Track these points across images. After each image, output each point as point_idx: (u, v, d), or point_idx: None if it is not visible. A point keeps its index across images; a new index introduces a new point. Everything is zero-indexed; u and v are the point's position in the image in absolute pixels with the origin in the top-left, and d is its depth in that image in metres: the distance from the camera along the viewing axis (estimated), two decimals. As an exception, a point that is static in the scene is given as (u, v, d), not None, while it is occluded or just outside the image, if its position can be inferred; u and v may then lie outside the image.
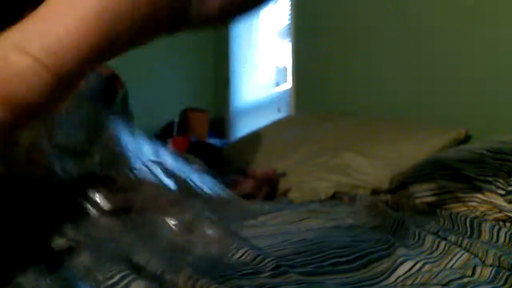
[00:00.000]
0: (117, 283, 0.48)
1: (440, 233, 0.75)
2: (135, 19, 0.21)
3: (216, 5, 0.24)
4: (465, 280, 0.51)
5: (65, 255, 0.54)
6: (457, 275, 0.52)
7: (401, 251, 0.62)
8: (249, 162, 1.83)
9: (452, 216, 0.83)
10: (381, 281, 0.56)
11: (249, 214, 0.97)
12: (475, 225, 0.76)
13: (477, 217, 0.84)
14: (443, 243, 0.66)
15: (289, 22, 2.48)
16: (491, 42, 1.29)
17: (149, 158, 0.52)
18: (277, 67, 2.67)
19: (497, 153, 0.85)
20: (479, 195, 0.86)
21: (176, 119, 2.61)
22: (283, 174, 1.43)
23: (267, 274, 0.55)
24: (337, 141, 1.47)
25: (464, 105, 1.37)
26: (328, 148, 1.46)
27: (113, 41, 0.21)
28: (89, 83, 1.14)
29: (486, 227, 0.74)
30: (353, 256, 0.62)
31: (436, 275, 0.53)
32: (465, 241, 0.67)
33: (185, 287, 0.48)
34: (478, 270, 0.54)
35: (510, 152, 0.83)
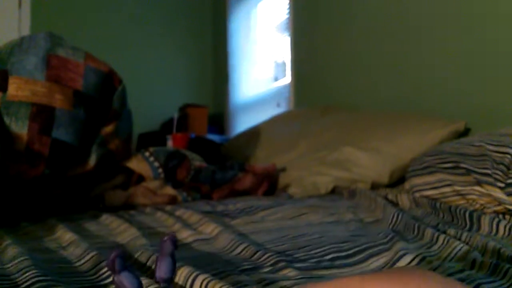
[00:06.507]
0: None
1: (439, 226, 0.75)
2: None
3: None
4: (465, 273, 0.51)
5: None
6: (457, 268, 0.52)
7: (400, 244, 0.62)
8: (248, 158, 1.83)
9: (452, 209, 0.83)
10: (380, 275, 0.55)
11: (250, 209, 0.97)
12: (474, 218, 0.77)
13: (476, 210, 0.84)
14: (442, 236, 0.66)
15: (288, 16, 2.47)
16: (490, 35, 1.29)
17: None
18: (276, 62, 2.66)
19: (496, 146, 0.85)
20: (479, 188, 0.85)
21: (176, 115, 2.61)
22: (283, 169, 1.43)
23: (267, 269, 0.55)
24: (337, 135, 1.47)
25: (464, 98, 1.37)
26: (328, 142, 1.46)
27: None
28: (88, 79, 1.14)
29: (485, 220, 0.74)
30: (353, 250, 0.63)
31: (435, 269, 0.53)
32: (465, 234, 0.67)
33: (185, 283, 0.48)
34: (478, 263, 0.54)
35: (509, 145, 0.83)
